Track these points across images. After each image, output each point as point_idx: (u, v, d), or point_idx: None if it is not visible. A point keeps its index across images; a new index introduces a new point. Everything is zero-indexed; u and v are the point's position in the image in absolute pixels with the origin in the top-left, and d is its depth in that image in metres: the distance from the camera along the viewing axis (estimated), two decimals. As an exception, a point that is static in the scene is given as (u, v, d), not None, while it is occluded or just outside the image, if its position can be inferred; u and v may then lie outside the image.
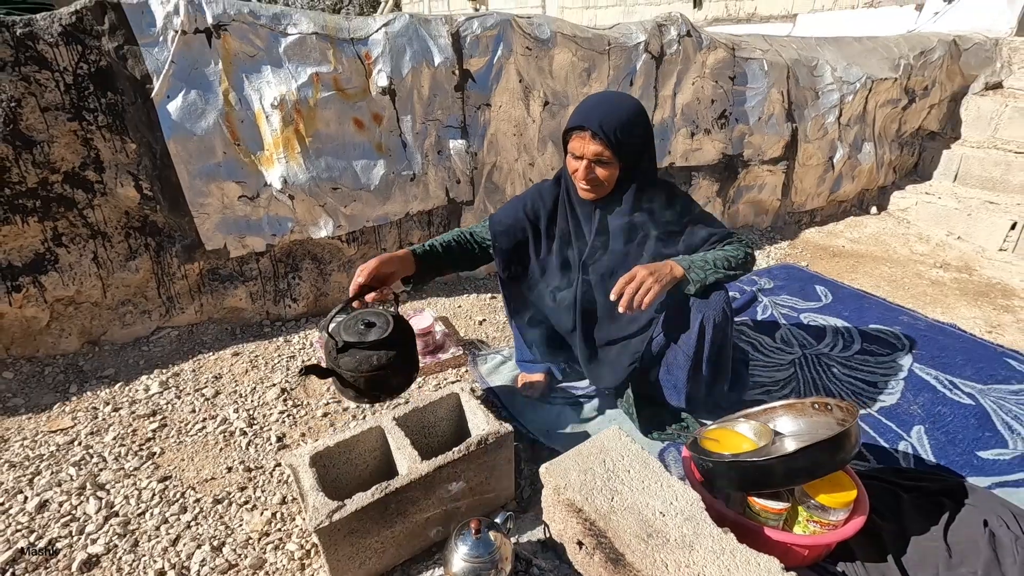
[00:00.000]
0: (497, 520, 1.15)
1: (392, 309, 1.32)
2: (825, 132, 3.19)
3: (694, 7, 6.09)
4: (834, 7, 4.79)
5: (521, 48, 2.25)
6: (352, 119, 2.06)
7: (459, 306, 2.33)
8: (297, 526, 1.33)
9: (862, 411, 1.75)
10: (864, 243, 3.16)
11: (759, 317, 2.31)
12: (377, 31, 2.02)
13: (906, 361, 2.01)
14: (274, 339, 2.07)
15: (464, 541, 1.08)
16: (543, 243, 1.53)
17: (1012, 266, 2.87)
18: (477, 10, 8.74)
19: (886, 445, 1.62)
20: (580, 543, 1.14)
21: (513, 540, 1.20)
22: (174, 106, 1.84)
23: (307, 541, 1.29)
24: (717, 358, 1.43)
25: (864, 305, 2.40)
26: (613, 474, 1.15)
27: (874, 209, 3.54)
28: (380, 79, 2.04)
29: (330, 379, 1.29)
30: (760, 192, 3.14)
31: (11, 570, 1.21)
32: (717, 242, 1.43)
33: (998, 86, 3.69)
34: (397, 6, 12.36)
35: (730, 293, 1.44)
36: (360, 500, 1.10)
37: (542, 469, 1.18)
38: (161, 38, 1.79)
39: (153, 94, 1.81)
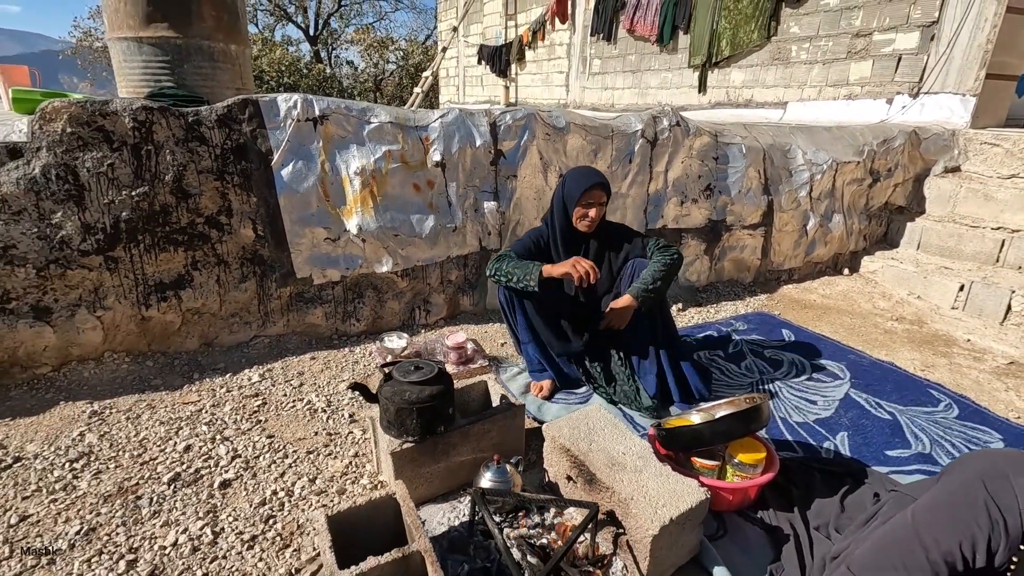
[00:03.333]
0: (512, 460, 1.67)
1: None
2: (798, 204, 3.78)
3: (699, 91, 6.89)
4: (818, 97, 5.50)
5: (542, 134, 2.92)
6: (412, 184, 2.72)
7: (486, 331, 2.90)
8: (367, 470, 1.86)
9: (799, 420, 2.23)
10: (833, 298, 3.67)
11: (730, 351, 2.81)
12: (435, 121, 2.71)
13: (844, 387, 2.49)
14: (341, 349, 2.65)
15: (488, 468, 1.61)
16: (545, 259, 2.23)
17: (960, 322, 3.34)
18: (508, 88, 9.73)
19: (814, 444, 2.09)
20: (569, 477, 1.64)
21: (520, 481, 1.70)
22: (286, 171, 2.51)
23: (375, 479, 1.81)
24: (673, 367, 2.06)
25: (819, 345, 2.90)
26: (592, 430, 1.67)
27: (846, 271, 4.07)
28: (434, 155, 2.72)
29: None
30: (742, 252, 3.70)
31: (174, 486, 1.76)
32: (654, 246, 2.18)
33: (957, 169, 4.27)
34: (432, 90, 13.66)
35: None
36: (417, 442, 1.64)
37: (544, 427, 1.71)
38: (282, 124, 2.50)
39: (273, 163, 2.49)
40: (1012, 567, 0.88)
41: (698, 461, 1.72)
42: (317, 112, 2.53)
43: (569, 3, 9.02)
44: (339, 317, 2.73)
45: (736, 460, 1.68)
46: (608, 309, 2.18)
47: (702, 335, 2.96)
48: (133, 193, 2.27)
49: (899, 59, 4.78)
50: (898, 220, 4.22)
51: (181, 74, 2.72)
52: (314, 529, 1.57)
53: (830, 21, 5.29)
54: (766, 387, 2.47)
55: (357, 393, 1.67)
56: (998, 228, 3.66)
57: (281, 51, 18.43)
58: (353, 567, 1.21)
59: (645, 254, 2.21)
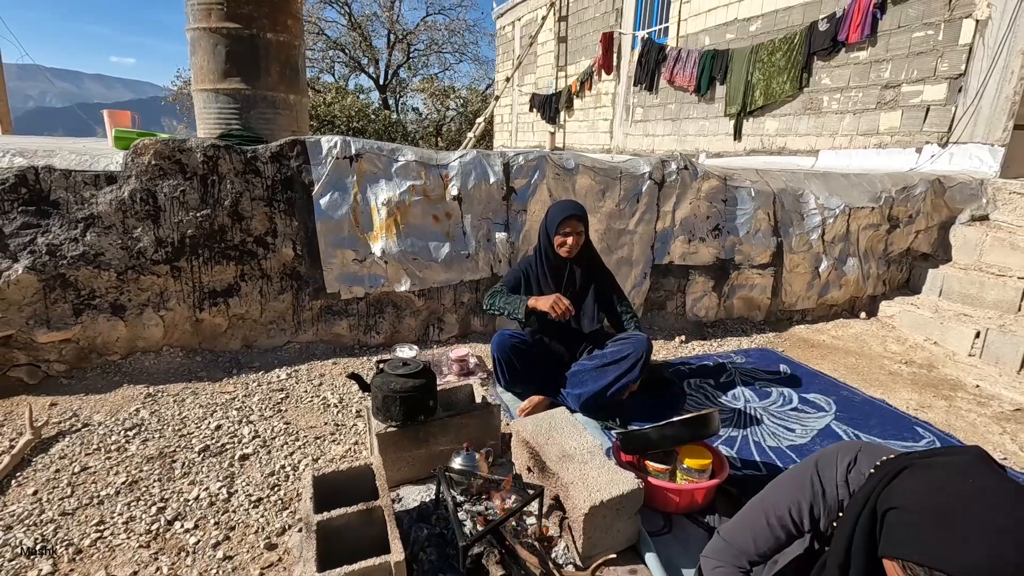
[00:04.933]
0: (482, 450, 1.90)
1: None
2: (810, 247, 3.87)
3: (735, 139, 7.08)
4: (850, 146, 5.57)
5: (552, 174, 3.24)
6: (432, 215, 3.08)
7: (485, 350, 3.16)
8: (364, 454, 2.13)
9: (772, 444, 2.34)
10: (844, 340, 3.70)
11: (721, 380, 2.94)
12: (454, 160, 3.08)
13: (827, 419, 2.57)
14: (360, 357, 2.98)
15: (459, 454, 1.85)
16: (533, 284, 2.50)
17: (974, 368, 3.30)
18: (553, 135, 10.20)
19: (781, 466, 2.19)
20: (528, 468, 1.86)
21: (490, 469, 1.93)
22: (324, 201, 2.93)
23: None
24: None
25: (813, 380, 2.97)
26: (552, 428, 1.89)
27: (863, 314, 4.07)
28: (452, 190, 3.07)
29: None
30: (751, 291, 3.82)
31: (203, 455, 2.10)
32: (627, 314, 2.44)
33: (985, 218, 4.24)
34: (487, 135, 14.46)
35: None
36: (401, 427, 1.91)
37: (512, 423, 1.94)
38: (324, 161, 2.93)
39: (314, 193, 2.92)
40: (832, 531, 1.04)
41: (651, 464, 1.89)
42: (353, 151, 2.95)
43: (615, 56, 9.51)
44: (362, 329, 3.08)
45: (684, 465, 1.85)
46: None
47: (697, 364, 3.10)
48: (198, 215, 2.73)
49: (927, 110, 4.84)
50: (921, 267, 4.21)
51: (248, 119, 3.24)
52: (302, 485, 1.85)
53: (860, 73, 5.41)
54: (749, 414, 2.59)
55: (354, 381, 1.97)
56: (1023, 278, 3.61)
57: (352, 98, 19.98)
58: (325, 513, 1.47)
59: (616, 314, 2.51)
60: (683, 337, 3.51)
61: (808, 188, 3.94)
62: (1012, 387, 3.03)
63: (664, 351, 3.34)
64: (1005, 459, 2.31)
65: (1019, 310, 3.55)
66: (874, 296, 4.14)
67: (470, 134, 11.26)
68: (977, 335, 3.42)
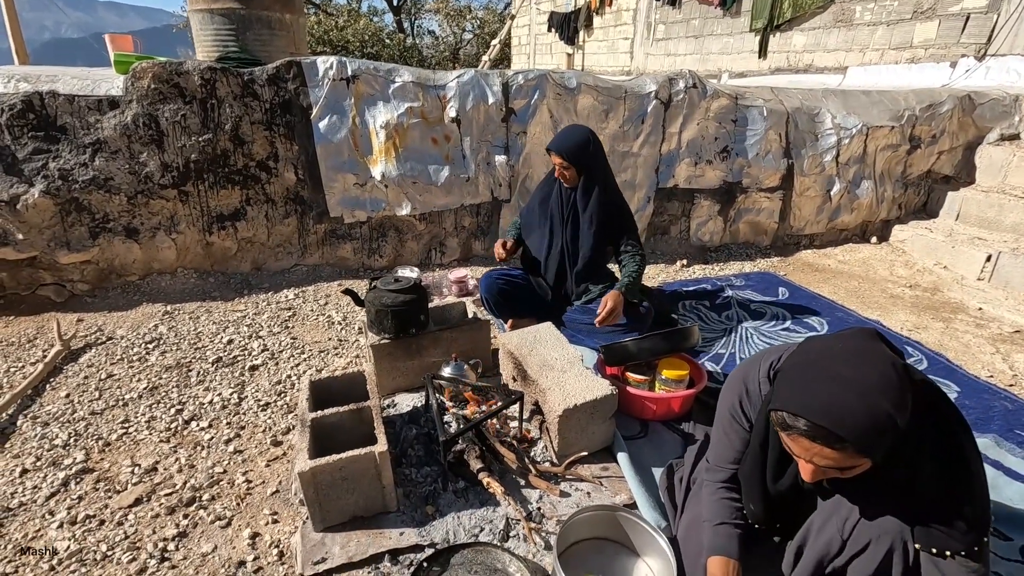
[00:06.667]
0: (471, 362, 2.01)
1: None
2: (823, 169, 3.76)
3: (760, 56, 6.69)
4: (880, 61, 5.24)
5: (553, 94, 3.16)
6: (430, 138, 3.07)
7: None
8: (364, 367, 2.27)
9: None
10: (851, 264, 3.67)
11: (717, 301, 2.97)
12: (452, 81, 3.03)
13: (817, 338, 2.60)
14: (365, 279, 3.09)
15: (448, 364, 1.96)
16: (537, 207, 2.48)
17: (981, 292, 3.26)
18: (571, 56, 9.76)
19: (763, 380, 2.27)
20: (513, 377, 1.97)
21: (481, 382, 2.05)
22: (323, 124, 2.94)
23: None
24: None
25: (810, 303, 2.99)
26: (536, 341, 1.98)
27: (874, 239, 4.00)
28: (451, 111, 3.04)
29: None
30: (758, 215, 3.76)
31: (216, 365, 2.26)
32: (629, 251, 2.36)
33: (1015, 137, 4.02)
34: (505, 59, 13.84)
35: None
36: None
37: (499, 336, 2.04)
38: (321, 83, 2.91)
39: (312, 116, 2.92)
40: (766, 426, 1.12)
41: (632, 376, 1.98)
42: (350, 72, 2.92)
43: (637, -33, 8.87)
44: (365, 253, 3.17)
45: (662, 376, 1.93)
46: (601, 310, 2.25)
47: (695, 287, 3.14)
48: (200, 139, 2.78)
49: (967, 18, 4.49)
50: (940, 189, 4.06)
51: (244, 40, 3.20)
52: (300, 387, 2.00)
53: (898, -21, 4.99)
54: (740, 334, 2.64)
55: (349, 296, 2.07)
56: (1045, 199, 3.48)
57: (365, 22, 19.21)
58: (319, 412, 1.61)
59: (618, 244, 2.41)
60: (684, 261, 3.52)
61: (825, 107, 3.77)
62: (1016, 310, 3.01)
63: (663, 275, 3.37)
64: (991, 376, 2.34)
65: (1037, 233, 3.45)
66: (887, 220, 4.05)
67: (485, 57, 10.84)
68: (988, 258, 3.35)
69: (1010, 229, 3.58)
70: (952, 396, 2.19)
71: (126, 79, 2.70)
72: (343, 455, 1.44)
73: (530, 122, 3.16)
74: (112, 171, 2.68)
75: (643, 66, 9.11)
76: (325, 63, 2.90)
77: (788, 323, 2.74)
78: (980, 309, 3.06)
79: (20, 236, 2.59)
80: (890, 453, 0.85)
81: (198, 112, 2.76)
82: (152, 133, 2.72)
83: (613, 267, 2.54)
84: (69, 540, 1.44)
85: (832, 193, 3.81)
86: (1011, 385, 2.28)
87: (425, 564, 1.34)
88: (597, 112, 3.29)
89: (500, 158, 3.17)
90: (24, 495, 1.60)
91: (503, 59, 14.23)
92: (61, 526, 1.49)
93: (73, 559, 1.39)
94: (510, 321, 2.51)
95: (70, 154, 2.63)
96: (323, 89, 2.91)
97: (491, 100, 3.07)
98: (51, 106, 2.60)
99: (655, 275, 3.35)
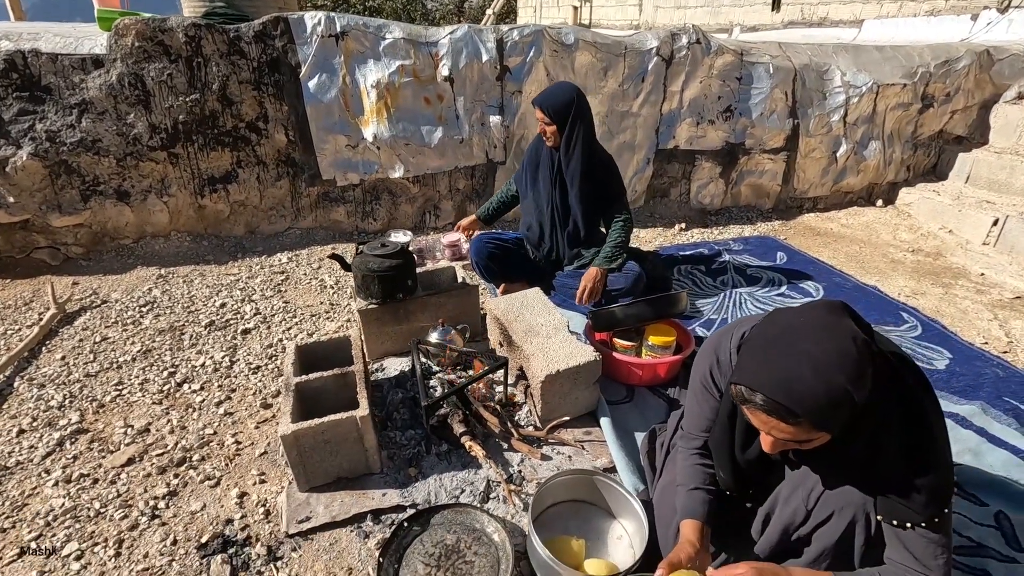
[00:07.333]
0: (458, 327, 2.02)
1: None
2: (829, 129, 3.65)
3: (773, 9, 6.41)
4: (898, 14, 5.01)
5: (549, 51, 3.05)
6: (423, 97, 2.99)
7: (487, 237, 3.21)
8: (351, 331, 2.28)
9: (750, 326, 2.39)
10: (853, 228, 3.60)
11: (713, 266, 2.94)
12: (444, 37, 2.92)
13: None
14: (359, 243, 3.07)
15: (435, 329, 1.96)
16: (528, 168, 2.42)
17: (984, 257, 3.20)
18: (576, 9, 9.38)
19: (754, 346, 2.26)
20: (500, 342, 1.97)
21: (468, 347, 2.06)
22: (312, 83, 2.87)
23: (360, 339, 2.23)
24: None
25: (807, 268, 2.95)
26: (524, 307, 1.98)
27: (880, 202, 3.91)
28: (443, 70, 2.95)
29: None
30: (761, 177, 3.68)
31: (209, 328, 2.28)
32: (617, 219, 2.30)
33: (1033, 95, 3.86)
34: (511, 13, 13.32)
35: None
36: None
37: (487, 302, 2.03)
38: (309, 40, 2.82)
39: (301, 75, 2.85)
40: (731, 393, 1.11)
41: (619, 342, 1.98)
42: (338, 28, 2.83)
43: (647, -89, 8.42)
44: (359, 216, 3.14)
45: (649, 342, 1.93)
46: (580, 290, 2.27)
47: (692, 251, 3.10)
48: (187, 99, 2.73)
49: (992, -33, 4.25)
50: (951, 150, 3.94)
51: (231, -6, 3.09)
52: (287, 352, 2.02)
53: (921, -77, 4.72)
54: (734, 299, 2.62)
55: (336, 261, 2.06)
56: (1059, 160, 3.36)
57: (366, -27, 18.51)
58: (304, 376, 1.63)
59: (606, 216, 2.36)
60: (683, 225, 3.47)
61: (835, 63, 3.63)
62: (1019, 275, 2.96)
63: (661, 239, 3.33)
64: (986, 343, 2.32)
65: (1047, 196, 3.35)
66: (894, 183, 3.95)
67: (488, 11, 10.46)
68: (996, 222, 3.28)
69: (1020, 192, 3.49)
70: (944, 363, 2.18)
71: (109, 37, 2.63)
72: (324, 419, 1.46)
73: (526, 80, 3.07)
74: (100, 132, 2.65)
75: (652, 19, 8.77)
76: (313, 18, 2.81)
77: (784, 288, 2.72)
78: (982, 275, 3.01)
79: (11, 199, 2.58)
80: (848, 427, 0.84)
81: (184, 71, 2.70)
82: (138, 93, 2.67)
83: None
84: (64, 497, 1.49)
85: (838, 154, 3.71)
86: (1005, 352, 2.26)
87: (406, 524, 1.38)
88: (596, 70, 3.19)
89: (495, 118, 3.10)
90: (21, 454, 1.64)
91: (509, 12, 13.72)
92: (56, 484, 1.54)
93: (68, 515, 1.44)
94: (502, 286, 2.49)
95: (56, 115, 2.60)
96: (311, 46, 2.83)
97: (485, 58, 2.97)
98: (34, 65, 2.55)
99: (652, 239, 3.31)
